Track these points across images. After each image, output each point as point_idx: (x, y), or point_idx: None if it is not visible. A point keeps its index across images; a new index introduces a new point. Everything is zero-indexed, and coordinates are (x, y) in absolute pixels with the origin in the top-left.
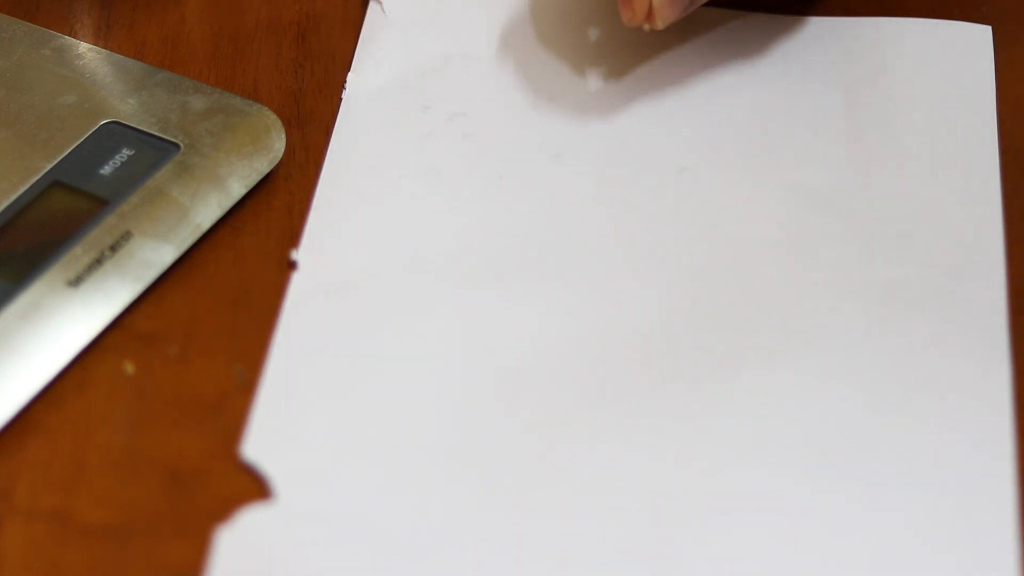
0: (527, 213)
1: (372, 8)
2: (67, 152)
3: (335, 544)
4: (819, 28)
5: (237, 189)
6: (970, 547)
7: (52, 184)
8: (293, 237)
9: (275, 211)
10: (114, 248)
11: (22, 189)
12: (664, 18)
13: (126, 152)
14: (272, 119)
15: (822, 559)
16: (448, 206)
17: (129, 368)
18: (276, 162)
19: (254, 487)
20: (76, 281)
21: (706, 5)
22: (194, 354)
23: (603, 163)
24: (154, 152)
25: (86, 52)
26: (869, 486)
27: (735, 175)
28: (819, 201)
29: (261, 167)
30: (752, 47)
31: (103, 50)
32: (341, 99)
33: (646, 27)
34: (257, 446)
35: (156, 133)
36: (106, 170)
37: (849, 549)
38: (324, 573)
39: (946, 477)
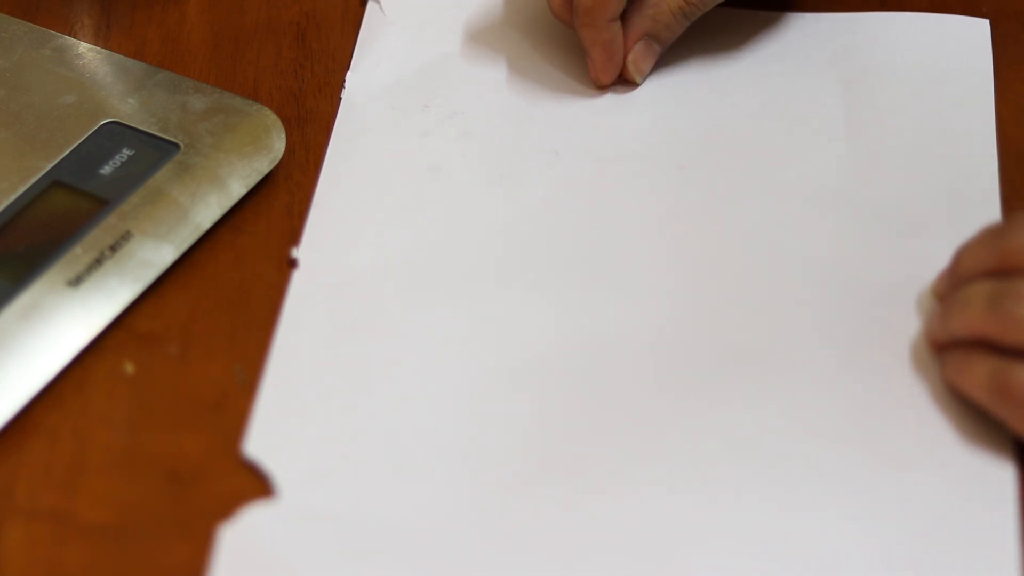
0: (526, 210)
1: (371, 8)
2: (67, 152)
3: (336, 541)
4: (816, 24)
5: (237, 189)
6: (971, 545)
7: (52, 184)
8: (293, 237)
9: (275, 211)
10: (114, 248)
11: (22, 189)
12: (641, 72)
13: (126, 152)
14: (272, 119)
15: (823, 549)
16: (448, 204)
17: (129, 368)
18: (276, 162)
19: (254, 486)
20: (76, 281)
21: None
22: (194, 354)
23: (602, 161)
24: (154, 152)
25: (86, 52)
26: (867, 484)
27: (734, 173)
28: (818, 199)
29: (261, 167)
30: (750, 44)
31: (103, 50)
32: (340, 99)
33: (639, 80)
34: (259, 444)
35: (156, 133)
36: (106, 170)
37: (849, 546)
38: (325, 570)
39: (946, 477)
